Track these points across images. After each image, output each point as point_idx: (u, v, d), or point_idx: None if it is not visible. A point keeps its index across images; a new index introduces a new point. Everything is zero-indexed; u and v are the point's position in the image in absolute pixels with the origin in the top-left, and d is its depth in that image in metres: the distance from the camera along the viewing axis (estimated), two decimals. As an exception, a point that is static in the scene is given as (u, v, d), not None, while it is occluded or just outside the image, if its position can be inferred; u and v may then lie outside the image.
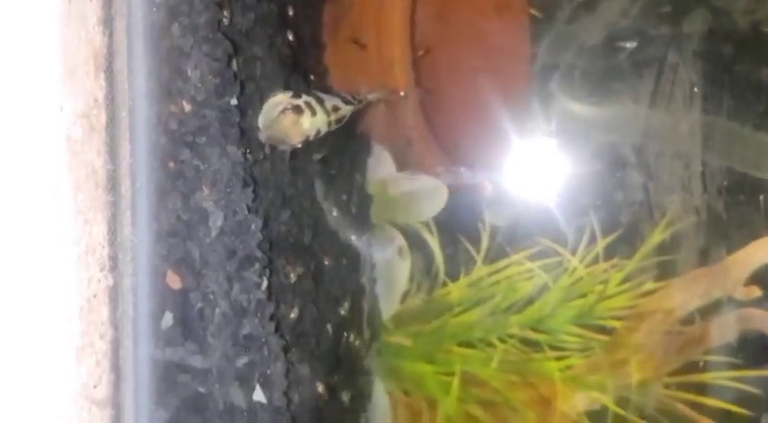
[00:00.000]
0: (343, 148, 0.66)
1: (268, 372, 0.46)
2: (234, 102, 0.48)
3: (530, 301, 0.76)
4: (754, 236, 0.70)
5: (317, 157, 0.61)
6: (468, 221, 0.77)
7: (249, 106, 0.51)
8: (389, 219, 0.79)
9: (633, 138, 0.72)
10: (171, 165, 0.46)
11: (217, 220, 0.46)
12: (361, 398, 0.69)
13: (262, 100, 0.51)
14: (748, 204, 0.70)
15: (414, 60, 0.58)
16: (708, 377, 0.71)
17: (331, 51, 0.62)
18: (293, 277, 0.54)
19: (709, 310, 0.72)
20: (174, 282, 0.46)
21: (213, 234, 0.46)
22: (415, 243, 0.78)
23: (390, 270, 0.79)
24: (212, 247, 0.46)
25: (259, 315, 0.46)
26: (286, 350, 0.48)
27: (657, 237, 0.72)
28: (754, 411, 0.68)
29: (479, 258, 0.77)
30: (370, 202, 0.76)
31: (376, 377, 0.77)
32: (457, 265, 0.78)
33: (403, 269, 0.78)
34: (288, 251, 0.53)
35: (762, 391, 0.69)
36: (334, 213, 0.64)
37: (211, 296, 0.46)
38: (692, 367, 0.72)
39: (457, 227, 0.77)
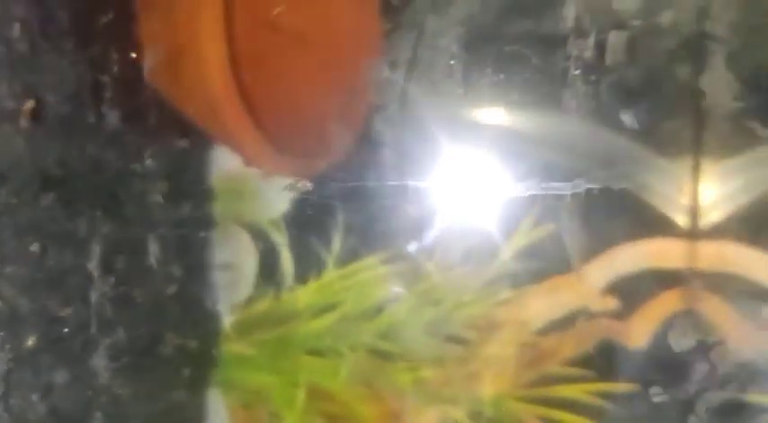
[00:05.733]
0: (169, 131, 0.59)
1: None
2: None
3: (381, 308, 0.71)
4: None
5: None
6: (321, 219, 0.71)
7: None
8: (234, 216, 0.72)
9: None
10: None
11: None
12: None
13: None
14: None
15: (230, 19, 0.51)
16: (560, 390, 0.68)
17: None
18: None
19: (566, 321, 0.69)
20: None
21: None
22: (262, 243, 0.72)
23: (233, 272, 0.73)
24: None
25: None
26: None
27: (517, 242, 0.69)
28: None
29: (330, 260, 0.71)
30: (211, 198, 0.69)
31: (213, 390, 0.71)
32: (307, 268, 0.72)
33: (248, 271, 0.73)
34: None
35: (613, 404, 0.67)
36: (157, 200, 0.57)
37: None
38: (547, 380, 0.69)
39: (308, 225, 0.72)
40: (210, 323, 0.68)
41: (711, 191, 0.67)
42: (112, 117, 0.50)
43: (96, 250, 0.49)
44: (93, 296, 0.48)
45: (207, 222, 0.69)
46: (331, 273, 0.72)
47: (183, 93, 0.55)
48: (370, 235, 0.71)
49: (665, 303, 0.67)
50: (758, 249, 0.66)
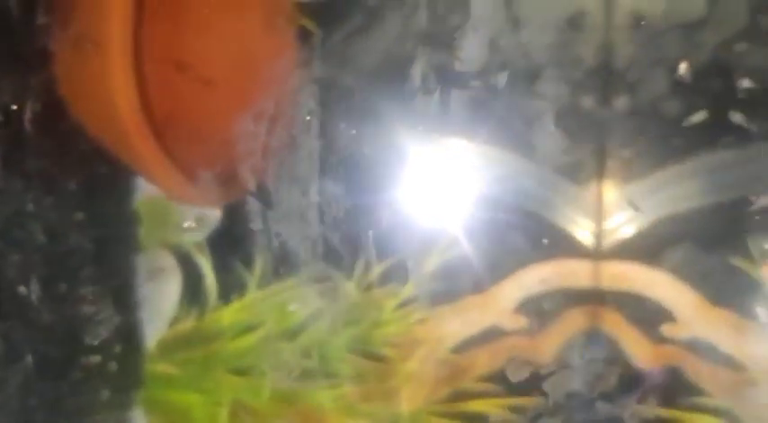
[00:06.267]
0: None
1: None
2: None
3: (303, 328, 0.73)
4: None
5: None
6: (243, 242, 0.73)
7: None
8: (160, 239, 0.74)
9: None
10: None
11: None
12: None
13: None
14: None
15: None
16: (473, 405, 0.71)
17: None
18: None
19: (479, 339, 0.72)
20: None
21: None
22: (187, 265, 0.74)
23: (158, 293, 0.74)
24: None
25: None
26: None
27: (432, 263, 0.72)
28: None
29: (253, 281, 0.73)
30: (134, 222, 0.71)
31: (136, 410, 0.72)
32: (231, 288, 0.74)
33: (172, 292, 0.74)
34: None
35: (521, 418, 0.70)
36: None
37: None
38: (461, 395, 0.72)
39: (231, 247, 0.74)
40: (133, 344, 0.70)
41: (615, 214, 0.71)
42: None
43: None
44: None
45: (131, 245, 0.71)
46: (253, 293, 0.73)
47: (99, 125, 0.57)
48: (291, 256, 0.73)
49: (571, 321, 0.71)
50: (657, 269, 0.70)
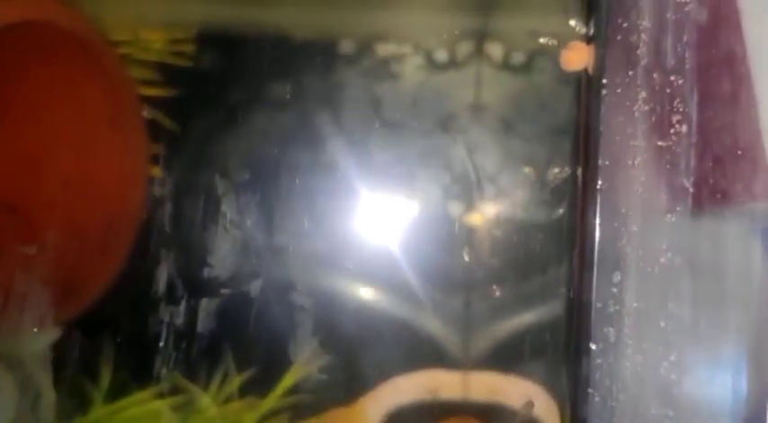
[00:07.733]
0: None
1: None
2: None
3: (154, 445, 0.68)
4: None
5: None
6: (88, 354, 0.67)
7: None
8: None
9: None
10: None
11: None
12: None
13: None
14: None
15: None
16: None
17: None
18: None
19: (344, 452, 0.69)
20: None
21: None
22: (23, 379, 0.67)
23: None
24: None
25: None
26: None
27: (292, 376, 0.68)
28: None
29: (98, 396, 0.67)
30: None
31: None
32: (72, 405, 0.68)
33: (6, 409, 0.67)
34: None
35: None
36: None
37: None
38: None
39: (74, 361, 0.68)
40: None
41: (482, 324, 0.70)
42: None
43: None
44: None
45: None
46: (99, 409, 0.67)
47: None
48: (142, 367, 0.68)
49: (439, 435, 0.69)
50: (521, 379, 0.69)
